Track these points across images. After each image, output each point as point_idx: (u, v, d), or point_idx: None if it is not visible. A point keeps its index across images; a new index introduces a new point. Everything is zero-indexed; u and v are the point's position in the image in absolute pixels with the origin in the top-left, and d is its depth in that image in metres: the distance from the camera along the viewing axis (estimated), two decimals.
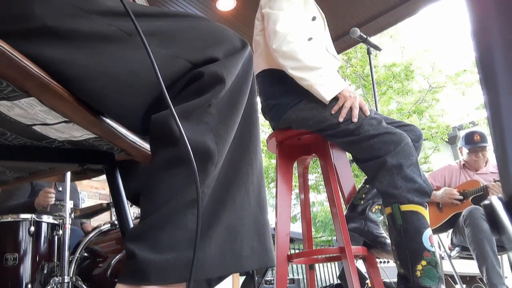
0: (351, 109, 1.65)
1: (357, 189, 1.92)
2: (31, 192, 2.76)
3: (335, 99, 1.68)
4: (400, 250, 1.54)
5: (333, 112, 1.67)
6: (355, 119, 1.63)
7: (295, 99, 1.73)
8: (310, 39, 1.74)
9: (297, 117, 1.73)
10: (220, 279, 0.77)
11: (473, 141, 3.15)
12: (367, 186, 1.82)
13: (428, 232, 1.51)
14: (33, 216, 2.12)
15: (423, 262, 1.48)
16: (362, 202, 1.82)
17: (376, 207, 1.81)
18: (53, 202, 2.50)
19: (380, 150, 1.59)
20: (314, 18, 1.84)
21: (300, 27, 1.74)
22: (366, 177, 1.82)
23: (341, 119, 1.65)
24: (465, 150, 3.19)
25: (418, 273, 1.48)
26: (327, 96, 1.65)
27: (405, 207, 1.52)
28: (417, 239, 1.50)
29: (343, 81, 1.73)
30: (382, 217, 1.83)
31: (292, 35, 1.67)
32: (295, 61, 1.65)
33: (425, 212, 1.53)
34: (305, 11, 1.82)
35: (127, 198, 0.94)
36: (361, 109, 1.66)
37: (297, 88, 1.70)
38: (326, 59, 1.76)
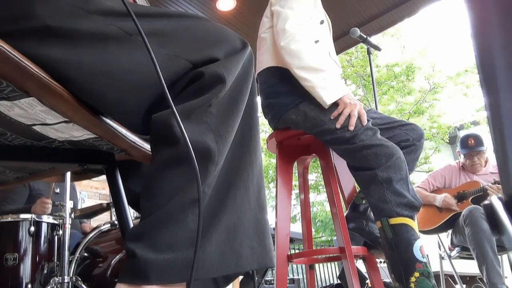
0: (349, 116, 1.64)
1: (357, 189, 1.92)
2: (29, 197, 2.72)
3: (335, 104, 1.67)
4: (393, 264, 1.55)
5: (332, 117, 1.66)
6: (351, 128, 1.63)
7: (297, 99, 1.72)
8: (317, 41, 1.74)
9: (297, 118, 1.73)
10: (228, 280, 0.77)
11: (468, 146, 3.11)
12: None
13: (418, 243, 1.51)
14: (33, 216, 2.11)
15: (416, 274, 1.48)
16: (363, 201, 1.82)
17: None
18: (49, 211, 2.49)
19: (372, 162, 1.59)
20: (322, 22, 1.85)
21: (308, 28, 1.74)
22: None
23: (338, 126, 1.64)
24: (462, 155, 3.18)
25: (412, 285, 1.48)
26: (328, 100, 1.64)
27: (394, 220, 1.53)
28: (408, 251, 1.50)
29: (345, 87, 1.73)
30: None
31: (301, 34, 1.68)
32: (301, 60, 1.65)
33: (414, 224, 1.54)
34: (314, 13, 1.83)
35: (128, 203, 0.94)
36: (359, 118, 1.65)
37: (299, 89, 1.69)
38: (329, 64, 1.75)
